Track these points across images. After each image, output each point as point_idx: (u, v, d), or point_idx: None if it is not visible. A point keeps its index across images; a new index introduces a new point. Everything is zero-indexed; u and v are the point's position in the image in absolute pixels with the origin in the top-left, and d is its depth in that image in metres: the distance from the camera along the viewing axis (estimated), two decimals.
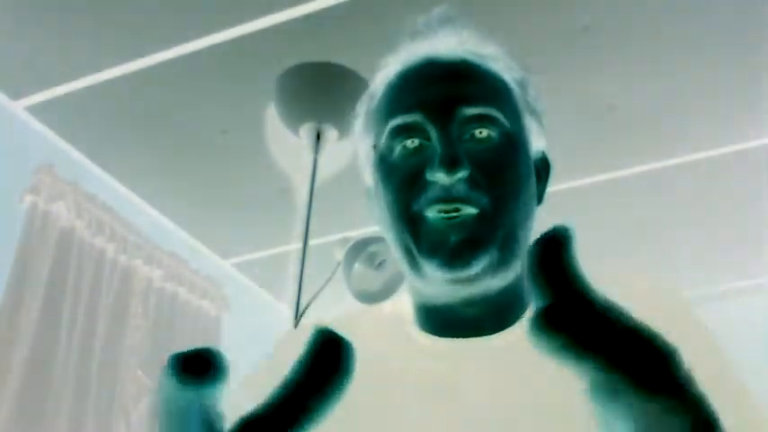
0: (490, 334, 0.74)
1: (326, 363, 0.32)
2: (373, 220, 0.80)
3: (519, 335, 0.74)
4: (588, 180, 2.57)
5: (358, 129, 0.83)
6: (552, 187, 0.82)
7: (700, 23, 2.00)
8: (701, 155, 2.46)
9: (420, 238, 0.72)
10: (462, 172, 0.70)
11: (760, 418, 0.67)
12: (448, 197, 0.70)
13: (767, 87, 2.19)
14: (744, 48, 2.06)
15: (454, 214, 0.70)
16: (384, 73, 0.80)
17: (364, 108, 0.82)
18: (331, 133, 2.13)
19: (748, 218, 2.71)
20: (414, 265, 0.73)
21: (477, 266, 0.70)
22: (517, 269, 0.75)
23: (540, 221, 0.80)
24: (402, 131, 0.74)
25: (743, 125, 2.34)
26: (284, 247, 2.92)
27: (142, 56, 2.12)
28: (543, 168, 0.81)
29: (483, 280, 0.72)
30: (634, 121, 2.32)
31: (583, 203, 2.64)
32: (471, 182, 0.70)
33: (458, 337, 0.75)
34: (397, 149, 0.74)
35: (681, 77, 2.16)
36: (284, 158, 2.49)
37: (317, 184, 2.14)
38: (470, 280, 0.71)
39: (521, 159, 0.75)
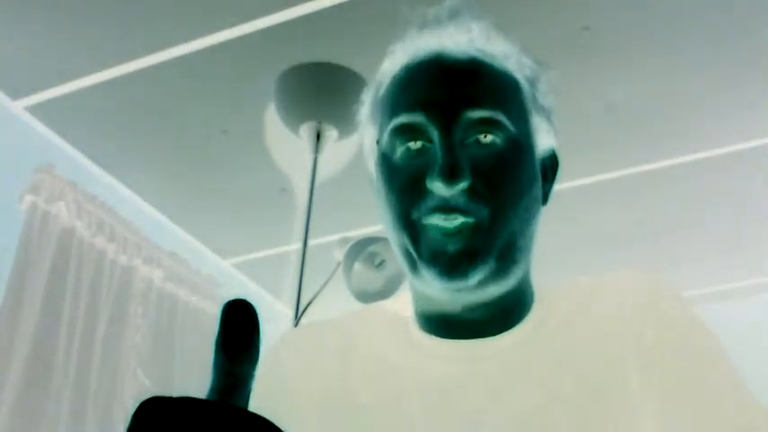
0: (493, 336, 0.74)
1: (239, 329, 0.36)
2: (377, 212, 0.79)
3: (522, 336, 0.74)
4: (588, 180, 2.56)
5: (363, 116, 0.81)
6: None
7: (700, 23, 1.99)
8: (701, 155, 2.46)
9: (420, 245, 0.71)
10: (462, 183, 0.69)
11: (755, 411, 0.67)
12: (446, 207, 0.69)
13: (767, 87, 2.19)
14: (744, 48, 2.06)
15: (452, 224, 0.69)
16: (391, 62, 0.78)
17: (371, 96, 0.80)
18: (331, 133, 2.13)
19: (748, 218, 2.71)
20: (414, 269, 0.73)
21: (475, 278, 0.70)
22: (518, 274, 0.75)
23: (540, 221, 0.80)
24: (404, 131, 0.72)
25: (743, 125, 2.34)
26: (284, 247, 2.92)
27: (142, 56, 2.12)
28: (551, 167, 0.80)
29: (483, 288, 0.72)
30: (634, 121, 2.32)
31: (583, 203, 2.64)
32: (471, 192, 0.69)
33: (460, 338, 0.75)
34: (400, 150, 0.73)
35: (681, 77, 2.16)
36: (284, 158, 2.48)
37: (316, 184, 2.14)
38: (469, 289, 0.71)
39: (524, 165, 0.74)
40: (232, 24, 2.03)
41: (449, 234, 0.69)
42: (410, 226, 0.71)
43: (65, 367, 2.21)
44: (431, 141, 0.71)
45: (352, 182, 2.42)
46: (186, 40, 2.08)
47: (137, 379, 2.48)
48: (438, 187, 0.68)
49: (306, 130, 2.13)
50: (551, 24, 2.00)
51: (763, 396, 0.68)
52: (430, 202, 0.70)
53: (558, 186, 0.81)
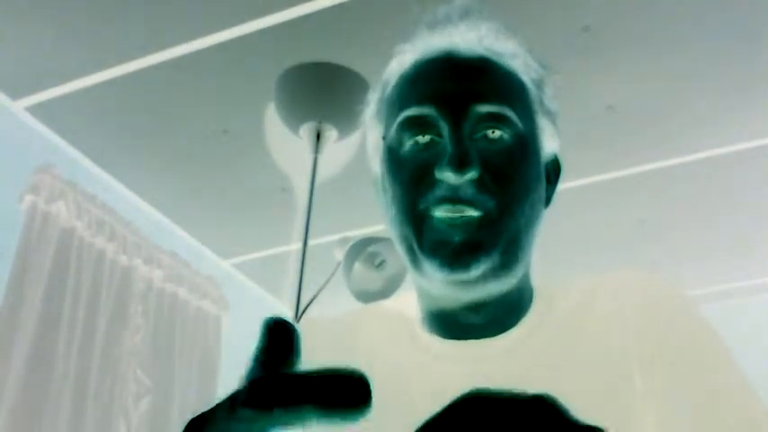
0: (493, 336, 0.74)
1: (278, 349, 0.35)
2: (377, 212, 0.79)
3: (524, 336, 0.75)
4: (588, 180, 2.57)
5: (368, 116, 0.81)
6: None
7: (700, 24, 2.00)
8: (701, 155, 2.46)
9: (423, 237, 0.71)
10: (471, 173, 0.69)
11: (756, 410, 0.67)
12: (455, 197, 0.69)
13: (767, 87, 2.19)
14: (744, 48, 2.06)
15: (458, 215, 0.69)
16: (399, 61, 0.78)
17: (376, 95, 0.80)
18: (331, 133, 2.13)
19: (748, 218, 2.72)
20: (415, 262, 0.73)
21: (478, 270, 0.70)
22: (519, 273, 0.75)
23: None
24: (413, 124, 0.73)
25: (743, 125, 2.34)
26: (284, 247, 2.92)
27: (142, 56, 2.12)
28: (554, 171, 0.80)
29: (484, 283, 0.72)
30: (634, 121, 2.32)
31: (583, 203, 2.64)
32: (479, 184, 0.69)
33: (462, 338, 0.75)
34: (408, 144, 0.73)
35: (681, 77, 2.16)
36: (284, 158, 2.49)
37: (317, 184, 2.14)
38: (471, 282, 0.71)
39: (531, 163, 0.74)
40: (232, 24, 2.03)
41: (454, 225, 0.69)
42: (415, 218, 0.71)
43: (65, 367, 2.22)
44: (439, 136, 0.72)
45: (352, 182, 2.42)
46: (186, 40, 2.08)
47: (137, 379, 2.48)
48: (447, 176, 0.69)
49: (306, 130, 2.13)
50: (551, 24, 2.00)
51: (764, 396, 0.68)
52: (438, 192, 0.70)
53: (558, 186, 0.81)
